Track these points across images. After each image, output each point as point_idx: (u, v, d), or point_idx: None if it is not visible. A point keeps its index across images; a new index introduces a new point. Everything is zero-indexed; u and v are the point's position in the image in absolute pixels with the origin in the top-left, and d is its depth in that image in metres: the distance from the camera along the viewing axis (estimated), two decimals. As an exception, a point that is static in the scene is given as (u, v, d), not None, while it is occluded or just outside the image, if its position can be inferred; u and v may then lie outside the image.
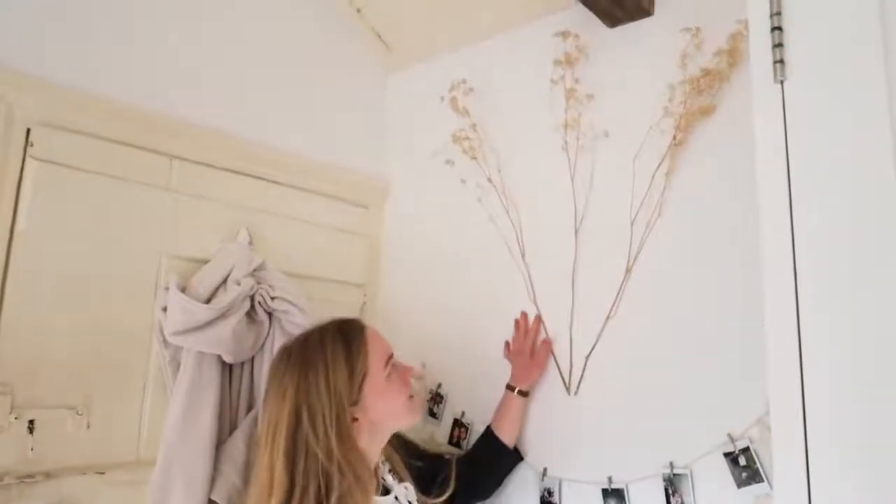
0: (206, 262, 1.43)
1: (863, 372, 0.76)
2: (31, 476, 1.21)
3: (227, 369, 1.40)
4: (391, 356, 1.22)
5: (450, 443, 1.65)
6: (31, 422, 1.22)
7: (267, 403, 1.15)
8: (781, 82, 0.84)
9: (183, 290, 1.33)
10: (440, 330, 1.73)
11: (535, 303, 1.55)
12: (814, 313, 0.81)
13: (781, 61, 0.83)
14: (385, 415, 1.18)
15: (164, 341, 1.33)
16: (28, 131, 1.25)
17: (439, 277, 1.77)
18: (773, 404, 0.83)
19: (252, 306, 1.41)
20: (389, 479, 1.27)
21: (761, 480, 1.18)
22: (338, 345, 1.15)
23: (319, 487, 1.04)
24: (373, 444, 1.19)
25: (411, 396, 1.24)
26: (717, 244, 1.31)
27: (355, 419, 1.14)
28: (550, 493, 1.44)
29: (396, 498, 1.23)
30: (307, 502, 1.03)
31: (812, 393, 0.78)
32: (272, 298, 1.43)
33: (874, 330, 0.76)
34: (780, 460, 0.80)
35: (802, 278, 0.83)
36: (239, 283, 1.38)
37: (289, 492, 1.04)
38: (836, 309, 0.79)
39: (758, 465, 1.19)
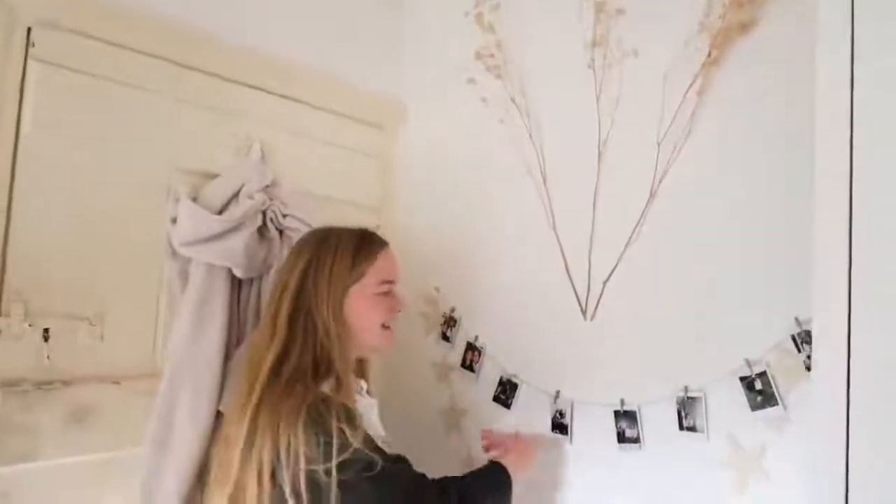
0: (215, 176, 1.39)
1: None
2: (48, 383, 1.21)
3: (236, 285, 1.38)
4: (391, 282, 1.24)
5: (462, 365, 1.66)
6: (46, 330, 1.21)
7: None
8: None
9: (193, 200, 1.30)
10: (455, 254, 1.71)
11: (553, 228, 1.51)
12: (868, 222, 0.76)
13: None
14: (358, 326, 1.20)
15: (173, 253, 1.31)
16: (29, 31, 1.19)
17: (456, 200, 1.73)
18: (816, 322, 0.79)
19: (264, 222, 1.38)
20: (364, 389, 1.30)
21: (776, 404, 1.17)
22: (352, 242, 1.22)
23: (316, 353, 1.13)
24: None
25: (388, 327, 1.25)
26: (746, 168, 1.26)
27: None
28: (562, 415, 1.45)
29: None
30: (304, 360, 1.12)
31: (859, 309, 0.74)
32: (284, 216, 1.40)
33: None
34: (821, 381, 0.78)
35: (859, 188, 0.77)
36: (252, 198, 1.35)
37: (287, 344, 1.13)
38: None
39: (774, 389, 1.18)
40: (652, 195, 1.36)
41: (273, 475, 1.05)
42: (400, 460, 1.11)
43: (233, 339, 1.35)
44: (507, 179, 1.61)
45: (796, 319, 1.16)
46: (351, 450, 1.01)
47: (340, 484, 1.01)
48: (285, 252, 1.39)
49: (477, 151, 1.69)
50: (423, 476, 1.13)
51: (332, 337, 1.15)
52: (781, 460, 1.16)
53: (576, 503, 1.42)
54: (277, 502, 1.05)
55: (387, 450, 1.11)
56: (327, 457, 1.01)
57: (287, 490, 1.03)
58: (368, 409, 1.21)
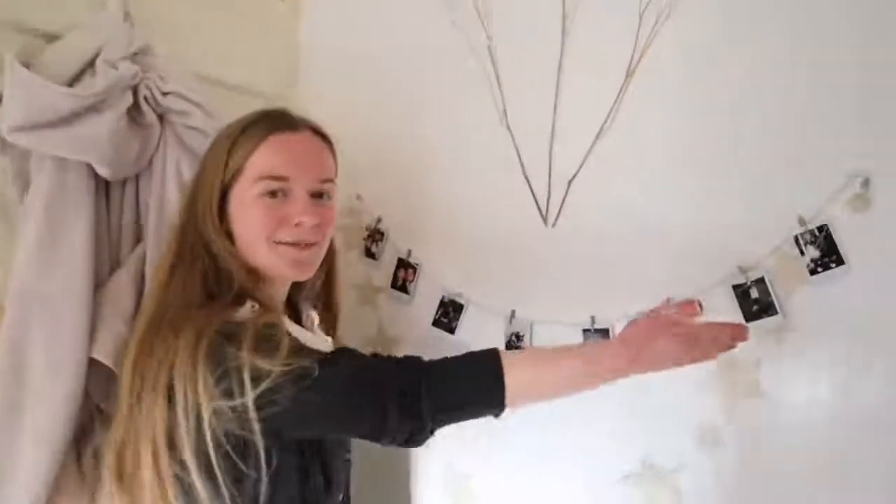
0: (57, 37, 1.00)
1: None
2: None
3: (104, 189, 1.03)
4: (279, 178, 0.91)
5: (393, 286, 1.41)
6: None
7: None
8: None
9: (27, 68, 0.91)
10: (380, 155, 1.41)
11: (504, 115, 1.26)
12: None
13: None
14: (243, 239, 0.92)
15: (3, 144, 0.93)
16: None
17: (380, 90, 1.42)
18: None
19: (136, 103, 1.02)
20: (315, 319, 1.08)
21: (775, 312, 1.04)
22: (236, 128, 0.94)
23: (208, 273, 0.89)
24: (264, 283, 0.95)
25: (289, 245, 0.92)
26: (744, 46, 1.07)
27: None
28: (519, 338, 1.25)
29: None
30: (191, 282, 0.88)
31: None
32: (164, 94, 1.04)
33: None
34: None
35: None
36: (115, 67, 0.97)
37: (174, 263, 0.90)
38: None
39: (772, 296, 1.04)
40: (629, 76, 1.15)
41: (172, 442, 0.78)
42: (345, 353, 0.87)
43: (104, 261, 1.01)
44: (445, 58, 1.32)
45: (800, 218, 1.02)
46: (271, 378, 0.75)
47: (265, 425, 0.76)
48: (170, 144, 1.05)
49: (405, 26, 1.37)
50: (373, 357, 0.88)
51: (221, 253, 0.89)
52: (779, 375, 1.05)
53: (541, 431, 1.25)
54: (184, 483, 0.78)
55: None
56: (238, 394, 0.75)
57: (190, 462, 0.76)
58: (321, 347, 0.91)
